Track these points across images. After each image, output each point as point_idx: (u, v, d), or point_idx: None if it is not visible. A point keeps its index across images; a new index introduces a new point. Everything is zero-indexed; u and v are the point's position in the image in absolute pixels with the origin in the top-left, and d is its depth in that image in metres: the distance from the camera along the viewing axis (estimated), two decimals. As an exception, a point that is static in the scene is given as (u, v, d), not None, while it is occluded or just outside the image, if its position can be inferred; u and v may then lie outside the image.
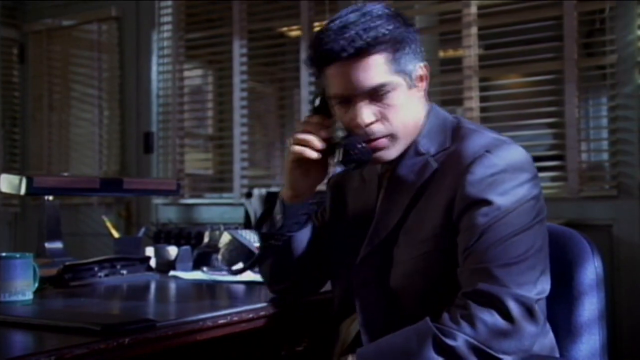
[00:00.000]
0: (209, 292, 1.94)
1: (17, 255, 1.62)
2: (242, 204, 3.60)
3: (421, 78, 1.43)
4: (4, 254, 1.61)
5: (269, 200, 1.56)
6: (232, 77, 4.14)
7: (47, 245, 2.11)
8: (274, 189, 3.45)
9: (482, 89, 3.51)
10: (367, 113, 1.37)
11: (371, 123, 1.38)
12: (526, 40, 3.34)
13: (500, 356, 1.22)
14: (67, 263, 1.93)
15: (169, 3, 4.39)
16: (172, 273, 2.16)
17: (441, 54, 4.10)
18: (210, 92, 4.63)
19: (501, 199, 1.29)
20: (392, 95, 1.37)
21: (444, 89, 3.63)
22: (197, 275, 2.12)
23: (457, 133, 1.41)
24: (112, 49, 4.53)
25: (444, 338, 1.21)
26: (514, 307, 1.22)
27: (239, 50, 4.12)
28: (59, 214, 2.15)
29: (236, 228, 2.36)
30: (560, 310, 1.54)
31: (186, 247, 2.31)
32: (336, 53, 1.34)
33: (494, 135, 1.39)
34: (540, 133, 3.45)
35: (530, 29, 3.33)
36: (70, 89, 4.79)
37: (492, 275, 1.25)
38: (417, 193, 1.39)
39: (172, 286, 2.00)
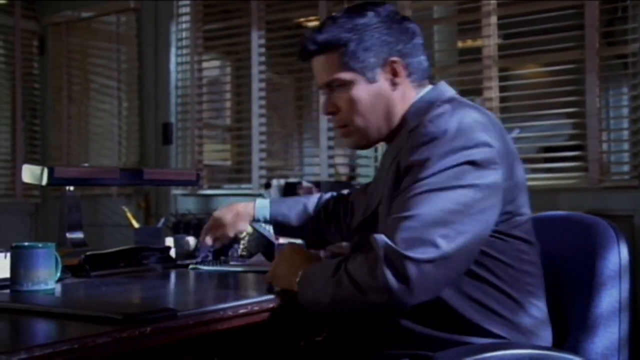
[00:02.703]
0: (229, 282, 1.94)
1: (40, 245, 1.63)
2: (260, 195, 3.60)
3: (388, 72, 1.55)
4: (26, 244, 1.62)
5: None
6: (250, 68, 4.15)
7: (68, 235, 2.13)
8: (292, 180, 3.46)
9: (502, 78, 3.49)
10: (325, 105, 1.62)
11: (329, 113, 1.61)
12: (546, 29, 3.31)
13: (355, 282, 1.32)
14: (89, 253, 1.94)
15: (187, -6, 4.40)
16: (191, 265, 2.17)
17: (460, 43, 4.08)
18: (229, 83, 4.63)
19: (428, 162, 1.35)
20: (345, 89, 1.56)
21: (462, 79, 3.61)
22: (217, 265, 2.13)
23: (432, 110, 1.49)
24: (130, 41, 4.55)
25: (339, 271, 1.36)
26: (380, 251, 1.28)
27: (257, 41, 4.12)
28: (80, 204, 2.17)
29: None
30: (577, 302, 1.51)
31: (206, 238, 2.32)
32: (300, 51, 1.61)
33: (450, 105, 1.45)
34: (559, 123, 3.42)
35: (550, 17, 3.30)
36: (89, 80, 4.82)
37: (389, 227, 1.32)
38: (392, 164, 1.50)
39: (192, 276, 2.00)
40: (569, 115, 3.36)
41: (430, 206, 1.31)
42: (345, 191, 2.00)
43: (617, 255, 1.52)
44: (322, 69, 1.58)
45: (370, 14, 1.55)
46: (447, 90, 1.58)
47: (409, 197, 1.34)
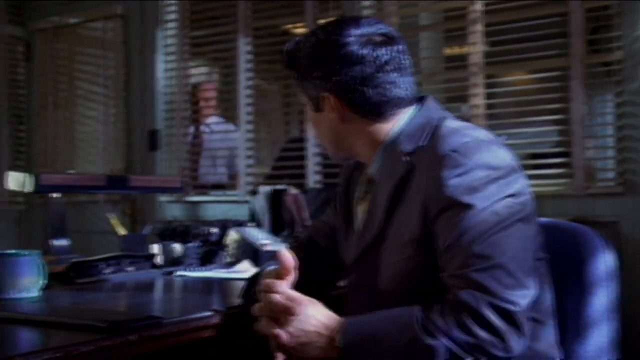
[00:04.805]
0: (215, 289, 1.94)
1: (24, 253, 1.62)
2: (247, 202, 3.59)
3: (328, 107, 1.43)
4: (10, 251, 1.61)
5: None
6: (237, 75, 4.14)
7: (53, 242, 2.12)
8: (279, 187, 3.45)
9: (488, 85, 3.50)
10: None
11: None
12: (532, 37, 3.33)
13: None
14: (74, 260, 1.93)
15: (174, 1, 4.39)
16: (177, 272, 2.16)
17: (447, 51, 4.10)
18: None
19: (472, 198, 1.25)
20: (308, 109, 1.51)
21: (449, 86, 3.63)
22: (203, 272, 2.12)
23: (436, 131, 1.36)
24: (117, 47, 4.54)
25: (423, 337, 1.19)
26: (496, 320, 1.18)
27: (244, 47, 4.12)
28: (65, 211, 2.16)
29: (240, 224, 2.37)
30: (568, 306, 1.52)
31: (192, 244, 2.32)
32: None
33: (474, 134, 1.32)
34: (545, 130, 3.44)
35: (536, 25, 3.32)
36: (75, 86, 4.80)
37: (471, 282, 1.20)
38: (396, 193, 1.36)
39: (178, 283, 2.00)
40: (554, 122, 3.38)
41: (507, 250, 1.22)
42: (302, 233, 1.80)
43: (605, 263, 1.54)
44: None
45: (311, 39, 1.43)
46: (436, 108, 1.44)
47: (475, 241, 1.22)
